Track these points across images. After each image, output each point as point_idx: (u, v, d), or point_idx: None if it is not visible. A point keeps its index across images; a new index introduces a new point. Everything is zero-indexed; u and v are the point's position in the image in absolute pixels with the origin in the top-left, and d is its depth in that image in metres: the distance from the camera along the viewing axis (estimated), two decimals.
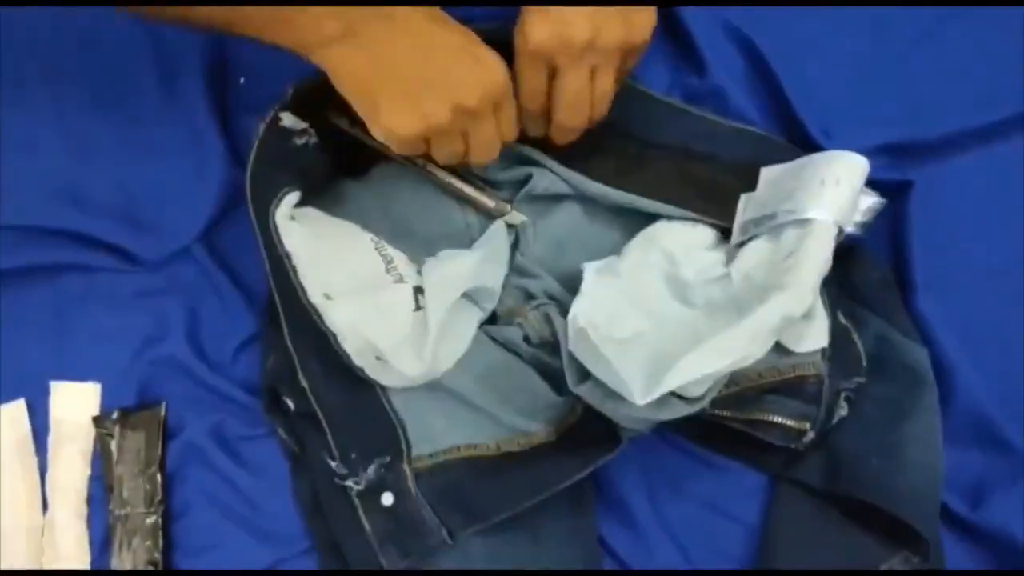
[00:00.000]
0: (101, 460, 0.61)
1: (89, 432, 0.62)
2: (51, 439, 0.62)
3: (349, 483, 0.55)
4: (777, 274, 0.52)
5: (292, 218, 0.54)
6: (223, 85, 0.66)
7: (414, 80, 0.49)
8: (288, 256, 0.53)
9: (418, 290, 0.55)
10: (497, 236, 0.59)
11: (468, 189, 0.59)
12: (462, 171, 0.60)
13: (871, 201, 0.56)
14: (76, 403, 0.62)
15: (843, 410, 0.56)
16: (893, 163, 0.60)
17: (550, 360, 0.56)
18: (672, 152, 0.59)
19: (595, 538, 0.59)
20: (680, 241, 0.57)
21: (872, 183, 0.53)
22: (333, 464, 0.56)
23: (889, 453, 0.55)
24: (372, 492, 0.55)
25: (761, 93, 0.62)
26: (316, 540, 0.60)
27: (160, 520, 0.60)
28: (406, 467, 0.55)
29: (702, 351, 0.49)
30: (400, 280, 0.56)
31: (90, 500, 0.61)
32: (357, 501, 0.55)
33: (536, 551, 0.57)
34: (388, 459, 0.55)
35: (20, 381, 0.62)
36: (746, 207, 0.56)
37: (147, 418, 0.61)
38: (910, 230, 0.59)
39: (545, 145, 0.58)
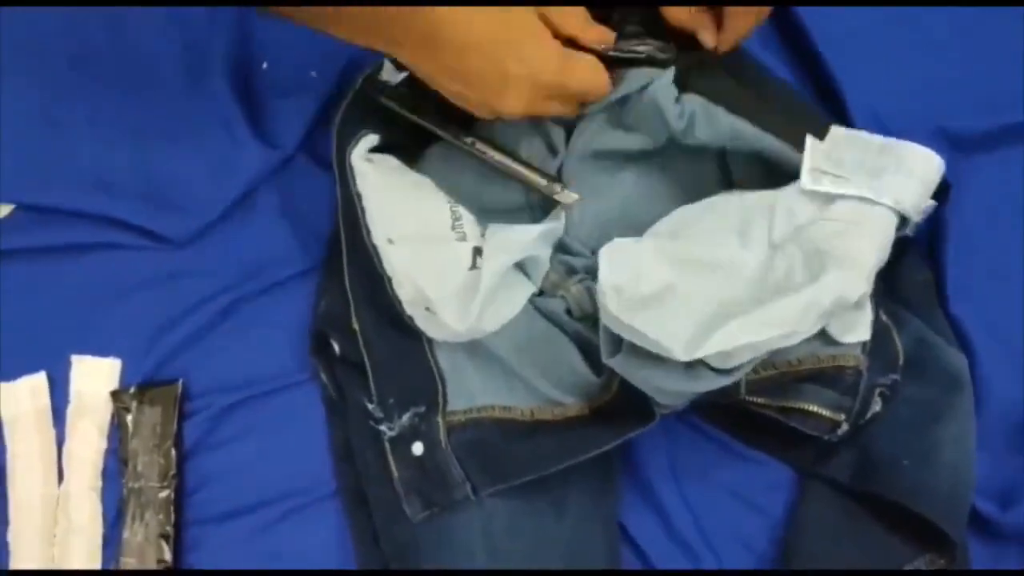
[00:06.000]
0: (117, 434, 0.62)
1: (107, 406, 0.62)
2: (70, 412, 0.62)
3: (383, 427, 0.56)
4: (824, 237, 0.52)
5: (369, 160, 0.57)
6: (248, 69, 0.68)
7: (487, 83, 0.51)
8: (359, 196, 0.56)
9: (477, 251, 0.56)
10: (559, 217, 0.59)
11: (521, 169, 0.59)
12: (512, 151, 0.59)
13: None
14: (96, 377, 0.63)
15: (877, 406, 0.55)
16: None
17: (591, 336, 0.56)
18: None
19: (615, 520, 0.59)
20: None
21: None
22: (370, 406, 0.56)
23: (922, 455, 0.55)
24: (403, 440, 0.56)
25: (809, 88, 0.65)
26: (341, 486, 0.60)
27: (173, 494, 0.60)
28: (440, 419, 0.56)
29: (752, 318, 0.49)
30: (463, 239, 0.56)
31: (105, 473, 0.62)
32: (388, 447, 0.56)
33: (558, 525, 0.57)
34: (423, 409, 0.56)
35: (44, 355, 0.63)
36: (813, 153, 0.54)
37: (164, 394, 0.62)
38: (945, 232, 0.60)
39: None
